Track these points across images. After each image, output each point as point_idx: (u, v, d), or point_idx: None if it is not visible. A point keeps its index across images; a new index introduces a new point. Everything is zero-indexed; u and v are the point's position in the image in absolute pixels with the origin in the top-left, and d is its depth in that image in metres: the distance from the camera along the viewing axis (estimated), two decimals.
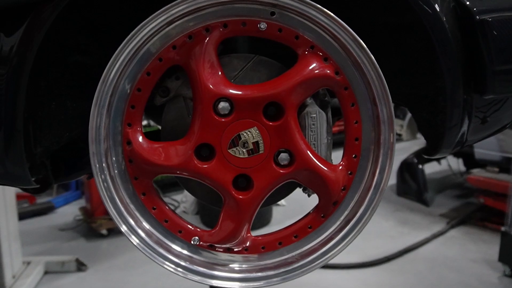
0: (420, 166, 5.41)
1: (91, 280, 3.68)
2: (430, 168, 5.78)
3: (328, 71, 1.06)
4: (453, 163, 5.80)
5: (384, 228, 4.67)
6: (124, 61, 1.01)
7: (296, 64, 1.06)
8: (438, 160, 5.78)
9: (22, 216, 4.70)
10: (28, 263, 3.73)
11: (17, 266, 3.56)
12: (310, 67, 1.05)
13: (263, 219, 4.52)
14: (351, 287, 3.61)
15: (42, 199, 5.28)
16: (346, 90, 1.08)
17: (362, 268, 3.87)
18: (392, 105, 1.06)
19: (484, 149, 5.01)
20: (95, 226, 4.44)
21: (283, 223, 4.44)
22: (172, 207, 4.88)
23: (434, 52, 1.11)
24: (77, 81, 1.26)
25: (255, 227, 4.37)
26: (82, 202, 5.14)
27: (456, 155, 5.69)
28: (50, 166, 1.28)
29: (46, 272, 3.77)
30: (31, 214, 4.97)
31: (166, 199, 5.11)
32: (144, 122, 4.72)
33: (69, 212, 5.06)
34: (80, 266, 3.82)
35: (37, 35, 1.01)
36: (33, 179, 1.17)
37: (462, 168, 5.84)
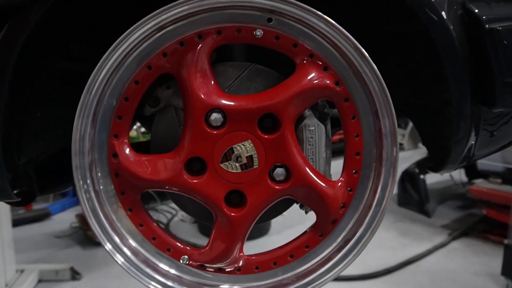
0: (422, 176, 5.33)
1: None
2: (432, 178, 5.70)
3: (328, 82, 1.00)
4: (455, 174, 5.73)
5: (384, 239, 4.59)
6: (110, 69, 0.95)
7: (294, 74, 1.00)
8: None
9: (18, 222, 4.63)
10: (22, 271, 3.66)
11: (10, 274, 3.49)
12: (309, 77, 0.99)
13: (261, 229, 4.45)
14: None
15: (38, 206, 5.21)
16: (346, 102, 1.02)
17: (362, 280, 3.79)
18: (395, 118, 1.00)
19: (487, 159, 4.94)
20: (91, 234, 4.36)
21: (282, 233, 4.40)
22: (170, 216, 4.87)
23: (440, 61, 1.05)
24: (66, 89, 1.21)
25: (253, 237, 4.29)
26: (78, 209, 5.06)
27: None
28: (35, 178, 1.22)
29: (40, 281, 3.69)
30: (27, 221, 4.90)
31: (163, 207, 5.05)
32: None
33: (66, 219, 4.99)
34: (75, 274, 3.74)
35: (18, 38, 0.95)
36: (15, 191, 1.11)
37: (464, 178, 5.76)
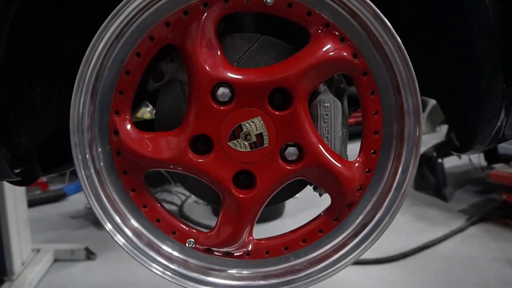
0: (440, 160, 5.21)
1: (100, 269, 3.62)
2: (450, 163, 5.57)
3: (345, 54, 0.92)
4: (474, 158, 5.59)
5: (400, 223, 4.50)
6: (109, 40, 0.89)
7: (308, 45, 0.92)
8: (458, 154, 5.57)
9: (34, 203, 4.66)
10: (38, 250, 3.69)
11: (26, 253, 3.51)
12: (324, 49, 0.91)
13: (276, 211, 4.40)
14: (364, 284, 3.47)
15: (54, 187, 5.25)
16: (365, 76, 0.94)
17: (376, 264, 3.73)
18: (419, 94, 0.92)
19: (508, 143, 4.79)
20: None
21: (296, 216, 4.35)
22: (183, 197, 4.84)
23: (471, 34, 0.96)
24: (66, 67, 1.15)
25: (267, 219, 4.23)
26: None
27: None
28: (38, 157, 1.17)
29: (55, 260, 3.71)
30: (43, 201, 4.94)
31: (177, 188, 5.03)
32: None
33: (81, 199, 5.00)
34: (90, 254, 3.76)
35: (10, 8, 0.89)
36: (16, 171, 1.06)
37: (484, 163, 5.62)
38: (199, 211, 4.61)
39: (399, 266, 3.74)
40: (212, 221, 4.27)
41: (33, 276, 3.29)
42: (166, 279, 0.95)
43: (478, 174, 5.68)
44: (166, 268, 0.97)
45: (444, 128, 6.54)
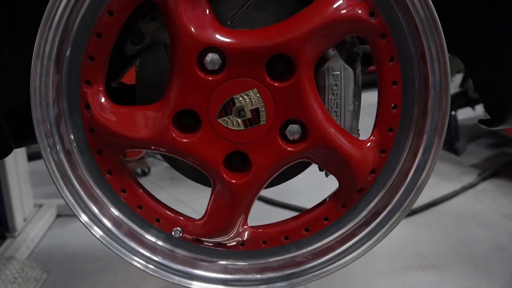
0: (453, 112, 5.02)
1: None
2: (463, 114, 5.39)
3: (360, 11, 0.75)
4: None
5: None
6: None
7: (315, 1, 0.75)
8: (472, 105, 5.38)
9: (34, 156, 4.58)
10: (40, 206, 3.66)
11: (28, 209, 3.47)
12: (335, 6, 0.74)
13: None
14: None
15: None
16: (383, 39, 0.78)
17: None
18: (448, 62, 0.76)
19: None
20: None
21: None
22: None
23: None
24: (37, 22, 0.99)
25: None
26: None
27: None
28: (9, 127, 1.04)
29: (58, 215, 3.68)
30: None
31: None
32: None
33: None
34: None
35: None
36: None
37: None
38: None
39: (408, 222, 3.67)
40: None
41: (36, 232, 3.26)
42: (148, 273, 0.83)
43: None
44: (149, 260, 0.86)
45: (458, 77, 6.29)
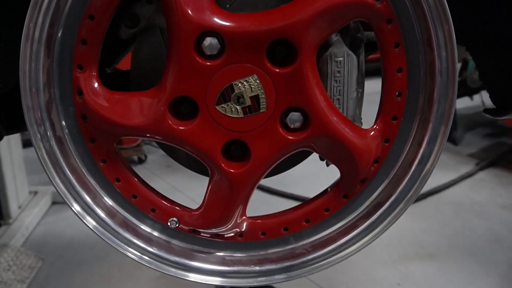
0: None
1: None
2: (460, 104, 5.37)
3: None
4: (486, 99, 5.36)
5: None
6: None
7: None
8: (470, 95, 5.36)
9: (29, 143, 4.53)
10: (35, 193, 3.63)
11: (23, 196, 3.45)
12: None
13: None
14: None
15: None
16: (389, 24, 0.74)
17: None
18: (456, 49, 0.73)
19: None
20: None
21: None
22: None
23: None
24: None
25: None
26: None
27: None
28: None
29: (53, 203, 3.66)
30: None
31: None
32: None
33: None
34: None
35: None
36: None
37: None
38: None
39: (406, 212, 3.62)
40: None
41: (31, 220, 3.24)
42: (144, 264, 0.81)
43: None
44: (144, 252, 0.83)
45: (457, 65, 6.27)
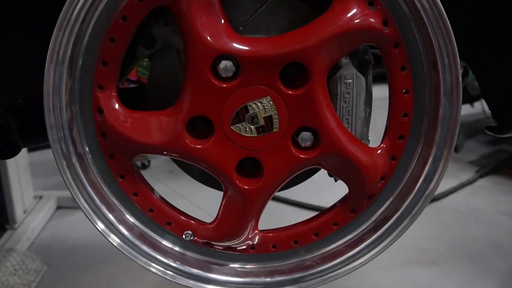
0: None
1: None
2: (461, 111, 5.38)
3: (374, 21, 0.75)
4: (486, 106, 5.39)
5: None
6: (88, 0, 0.73)
7: (330, 9, 0.75)
8: (471, 102, 5.39)
9: (34, 147, 4.57)
10: (40, 197, 3.65)
11: (28, 200, 3.47)
12: (349, 14, 0.74)
13: None
14: None
15: None
16: (396, 48, 0.78)
17: None
18: (460, 72, 0.76)
19: None
20: None
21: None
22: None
23: None
24: (44, 18, 0.98)
25: None
26: None
27: None
28: (18, 127, 1.04)
29: (58, 207, 3.68)
30: (44, 146, 4.81)
31: None
32: None
33: None
34: None
35: None
36: None
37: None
38: None
39: None
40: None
41: (36, 224, 3.27)
42: (167, 279, 0.84)
43: (490, 124, 5.51)
44: (166, 265, 0.87)
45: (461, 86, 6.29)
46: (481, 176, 4.42)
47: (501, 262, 3.12)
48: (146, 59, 0.94)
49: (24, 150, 3.44)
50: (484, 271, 3.00)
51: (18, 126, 1.04)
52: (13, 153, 1.06)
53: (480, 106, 5.37)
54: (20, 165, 3.36)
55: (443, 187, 4.12)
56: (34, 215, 3.39)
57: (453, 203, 3.97)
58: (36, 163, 4.24)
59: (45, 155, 4.71)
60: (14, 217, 3.22)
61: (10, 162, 3.24)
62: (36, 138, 1.13)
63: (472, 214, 3.76)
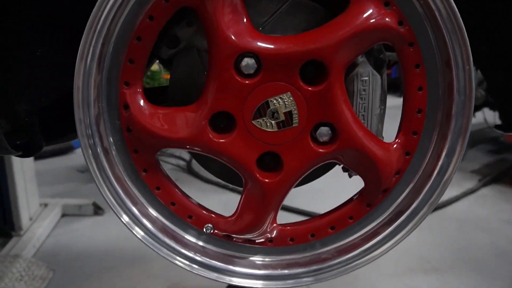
0: None
1: (108, 224, 3.61)
2: None
3: (389, 20, 0.79)
4: (488, 116, 5.44)
5: None
6: (117, 1, 0.76)
7: (347, 10, 0.79)
8: (473, 112, 5.41)
9: (40, 155, 4.61)
10: (45, 205, 3.67)
11: (34, 208, 3.49)
12: (366, 14, 0.78)
13: None
14: None
15: None
16: (411, 47, 0.82)
17: None
18: (473, 70, 0.80)
19: None
20: None
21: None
22: (189, 156, 4.75)
23: None
24: (69, 22, 1.02)
25: None
26: None
27: (493, 107, 5.32)
28: (40, 126, 1.07)
29: (63, 215, 3.70)
30: (49, 154, 4.87)
31: None
32: None
33: None
34: (97, 210, 3.74)
35: None
36: (17, 143, 0.97)
37: (498, 121, 5.46)
38: (203, 171, 4.54)
39: None
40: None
41: (41, 231, 3.28)
42: (193, 272, 0.87)
43: (492, 133, 5.56)
44: (189, 259, 0.89)
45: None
46: (484, 185, 4.44)
47: (505, 270, 3.13)
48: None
49: (30, 158, 3.47)
50: (488, 279, 3.01)
51: (41, 125, 1.07)
52: (35, 151, 1.09)
53: (482, 116, 5.41)
54: (26, 173, 3.38)
55: (446, 195, 4.14)
56: (39, 223, 3.40)
57: (456, 211, 3.98)
58: (42, 171, 4.27)
59: (51, 163, 4.75)
60: (20, 224, 3.24)
61: (17, 170, 3.26)
62: (57, 137, 1.16)
63: (475, 223, 3.77)
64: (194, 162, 4.66)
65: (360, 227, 0.92)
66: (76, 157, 4.97)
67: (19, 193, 3.27)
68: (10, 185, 3.23)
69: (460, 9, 0.81)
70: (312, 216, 1.02)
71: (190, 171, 4.43)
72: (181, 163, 4.62)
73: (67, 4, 0.98)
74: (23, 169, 3.33)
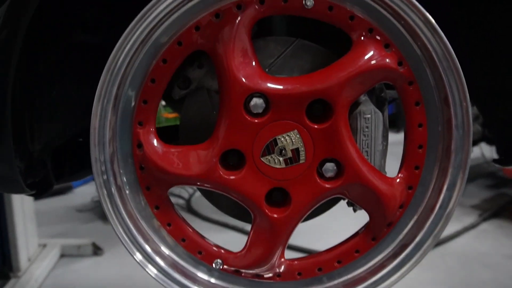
0: None
1: (107, 265, 3.57)
2: None
3: (390, 61, 0.84)
4: (486, 151, 5.50)
5: None
6: (134, 45, 0.81)
7: (350, 52, 0.84)
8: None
9: (40, 196, 4.60)
10: (44, 245, 3.64)
11: (32, 248, 3.46)
12: (367, 56, 0.83)
13: None
14: None
15: None
16: (410, 85, 0.86)
17: None
18: (470, 106, 0.84)
19: None
20: None
21: None
22: (191, 191, 4.75)
23: None
24: (83, 65, 1.07)
25: None
26: None
27: (490, 142, 5.38)
28: (51, 165, 1.10)
29: (62, 255, 3.67)
30: (48, 194, 4.85)
31: None
32: None
33: (87, 192, 4.95)
34: (97, 250, 3.71)
35: (28, 4, 0.82)
36: (29, 181, 0.99)
37: (496, 156, 5.51)
38: (207, 204, 4.55)
39: None
40: (220, 216, 4.21)
41: (40, 272, 3.24)
42: None
43: (490, 168, 5.60)
44: None
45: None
46: (484, 219, 4.44)
47: None
48: None
49: (30, 199, 3.47)
50: None
51: (53, 164, 1.10)
52: (45, 190, 1.11)
53: (479, 151, 5.47)
54: (26, 213, 3.37)
55: (447, 231, 4.12)
56: (38, 263, 3.36)
57: (457, 247, 3.97)
58: (41, 211, 4.25)
59: (50, 203, 4.74)
60: (18, 265, 3.20)
61: (17, 210, 3.26)
62: (67, 176, 1.19)
63: (477, 258, 3.75)
64: (193, 200, 4.66)
65: (366, 261, 0.94)
66: (75, 197, 4.97)
67: (18, 233, 3.24)
68: (9, 225, 3.21)
69: (460, 46, 0.86)
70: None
71: (189, 209, 4.43)
72: (180, 201, 4.62)
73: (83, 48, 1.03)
74: (23, 209, 3.33)
